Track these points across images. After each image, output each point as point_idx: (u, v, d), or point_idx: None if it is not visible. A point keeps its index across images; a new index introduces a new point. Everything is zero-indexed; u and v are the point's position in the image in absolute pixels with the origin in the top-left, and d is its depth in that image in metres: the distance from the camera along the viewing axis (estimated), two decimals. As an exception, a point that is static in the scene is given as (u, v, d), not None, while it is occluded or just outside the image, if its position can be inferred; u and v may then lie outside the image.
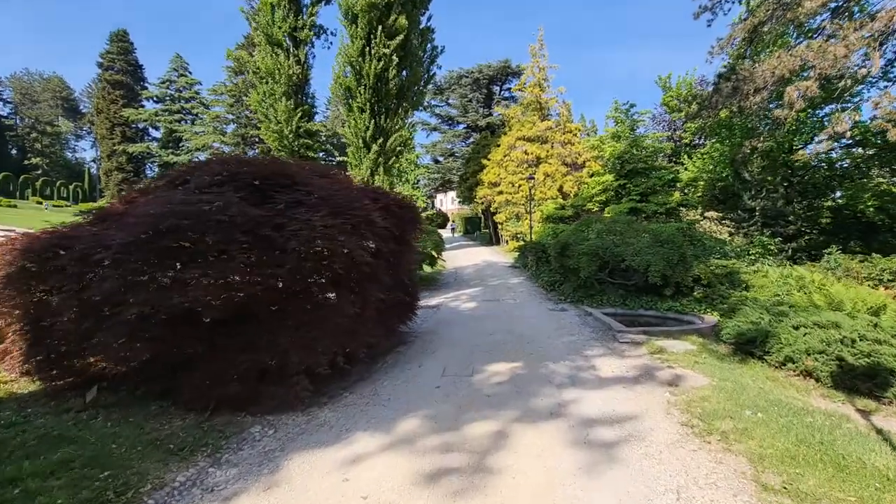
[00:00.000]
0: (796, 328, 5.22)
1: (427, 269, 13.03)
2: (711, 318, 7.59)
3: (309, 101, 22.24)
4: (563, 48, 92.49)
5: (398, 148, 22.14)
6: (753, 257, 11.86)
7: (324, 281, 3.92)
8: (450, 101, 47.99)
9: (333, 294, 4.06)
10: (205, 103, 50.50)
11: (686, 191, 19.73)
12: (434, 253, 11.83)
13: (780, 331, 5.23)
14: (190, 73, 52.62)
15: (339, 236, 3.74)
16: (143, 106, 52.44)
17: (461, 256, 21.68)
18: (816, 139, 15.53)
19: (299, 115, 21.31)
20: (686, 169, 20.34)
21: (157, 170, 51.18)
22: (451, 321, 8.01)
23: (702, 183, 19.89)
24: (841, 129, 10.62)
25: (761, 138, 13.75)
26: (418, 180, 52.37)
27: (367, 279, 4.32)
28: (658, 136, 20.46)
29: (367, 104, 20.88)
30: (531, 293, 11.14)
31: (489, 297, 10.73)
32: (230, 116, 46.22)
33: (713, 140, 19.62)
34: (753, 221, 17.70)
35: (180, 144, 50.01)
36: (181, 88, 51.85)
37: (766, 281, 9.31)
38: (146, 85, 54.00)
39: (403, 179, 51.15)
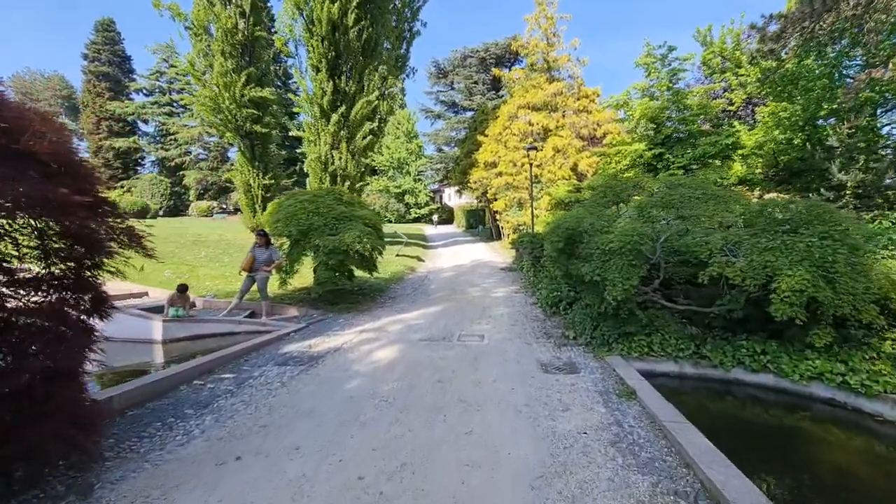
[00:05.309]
0: None
1: (364, 274, 8.49)
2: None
3: (258, 64, 17.94)
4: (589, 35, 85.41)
5: (369, 122, 17.54)
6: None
7: None
8: (454, 84, 43.50)
9: None
10: (196, 95, 47.39)
11: (746, 163, 14.52)
12: (366, 251, 7.26)
13: None
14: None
15: None
16: (131, 99, 49.68)
17: (447, 255, 17.04)
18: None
19: (243, 79, 16.95)
20: (735, 139, 14.92)
21: (147, 166, 48.77)
22: (290, 419, 3.43)
23: (764, 153, 14.66)
24: None
25: (891, 64, 8.67)
26: (422, 172, 47.57)
27: None
28: (708, 90, 15.19)
29: (323, 61, 16.22)
30: (518, 320, 6.47)
31: (443, 329, 6.10)
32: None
33: (772, 101, 14.27)
34: (843, 203, 12.50)
35: (168, 138, 47.08)
36: (172, 80, 48.85)
37: None
38: (134, 77, 51.10)
39: (405, 171, 46.47)
